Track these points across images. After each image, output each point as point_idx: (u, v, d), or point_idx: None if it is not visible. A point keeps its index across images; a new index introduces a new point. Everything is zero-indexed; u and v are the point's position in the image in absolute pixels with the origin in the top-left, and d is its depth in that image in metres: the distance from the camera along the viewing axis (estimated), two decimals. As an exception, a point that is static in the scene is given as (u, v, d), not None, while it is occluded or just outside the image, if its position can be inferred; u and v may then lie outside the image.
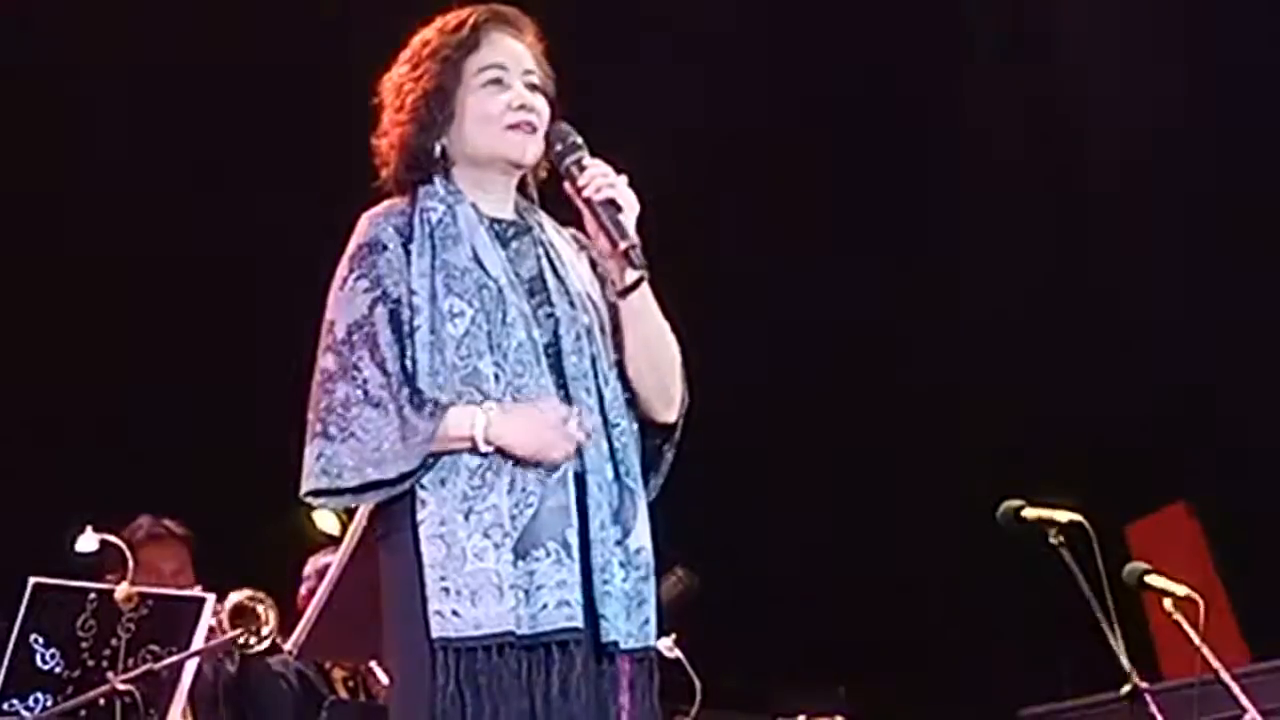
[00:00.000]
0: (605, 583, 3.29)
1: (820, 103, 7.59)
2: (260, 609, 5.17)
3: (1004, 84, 7.66)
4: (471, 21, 3.49)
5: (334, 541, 6.18)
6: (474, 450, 3.27)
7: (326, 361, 3.33)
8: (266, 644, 5.22)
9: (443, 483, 3.27)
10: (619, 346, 3.47)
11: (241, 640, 5.16)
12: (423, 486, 3.27)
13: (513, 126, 3.45)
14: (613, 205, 3.40)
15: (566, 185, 3.46)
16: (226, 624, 5.18)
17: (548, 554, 3.25)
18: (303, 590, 6.04)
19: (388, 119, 3.49)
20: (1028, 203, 7.84)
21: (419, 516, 3.27)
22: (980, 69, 7.70)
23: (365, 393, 3.28)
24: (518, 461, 3.27)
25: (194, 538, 5.80)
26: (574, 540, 3.27)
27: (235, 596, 5.11)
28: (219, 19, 6.94)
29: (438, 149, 3.46)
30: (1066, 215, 7.91)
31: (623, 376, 3.46)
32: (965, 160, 7.72)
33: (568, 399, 3.35)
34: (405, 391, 3.27)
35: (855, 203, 7.76)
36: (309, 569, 6.06)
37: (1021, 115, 7.71)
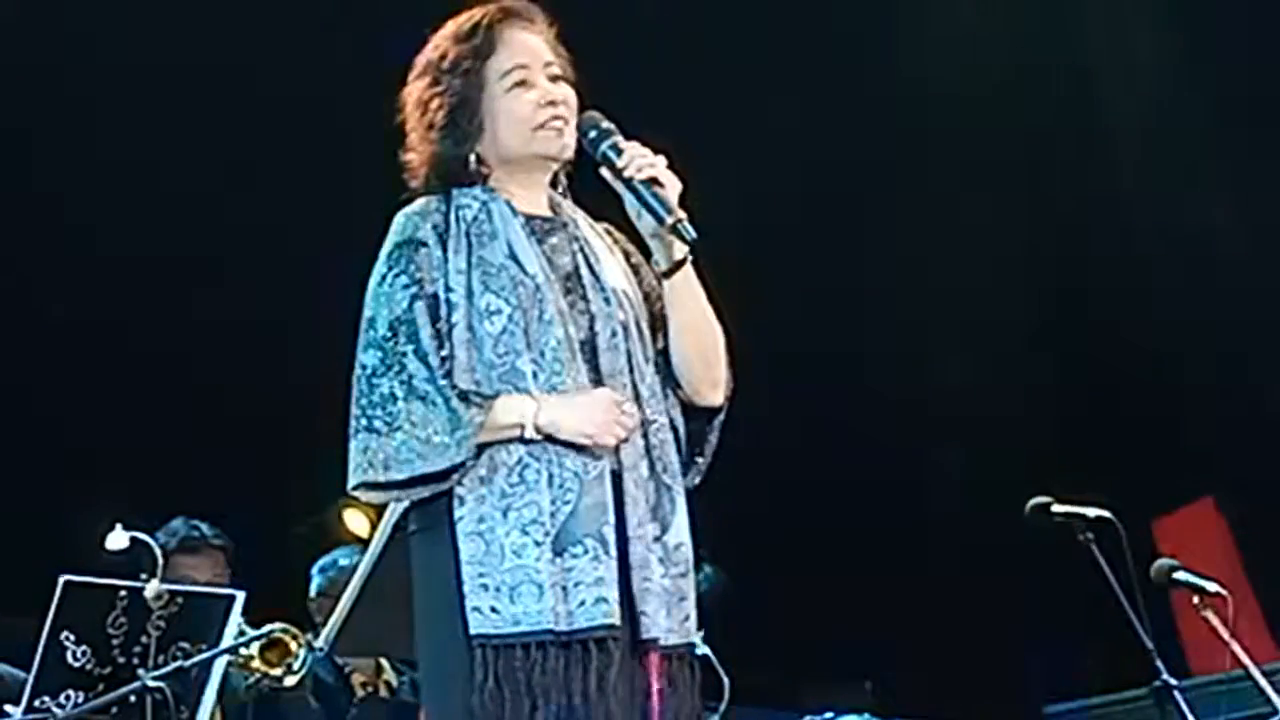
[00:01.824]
0: (645, 579, 3.30)
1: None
2: (292, 643, 5.17)
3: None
4: (485, 24, 3.48)
5: (360, 542, 6.20)
6: (521, 439, 3.28)
7: (368, 357, 3.34)
8: (297, 678, 5.21)
9: (481, 480, 3.28)
10: (663, 330, 3.48)
11: (275, 674, 5.15)
12: (460, 483, 3.28)
13: (544, 125, 3.45)
14: (655, 183, 3.40)
15: (604, 170, 3.45)
16: (257, 659, 5.17)
17: (585, 550, 3.25)
18: (311, 590, 6.05)
19: (415, 135, 3.48)
20: (1045, 205, 7.84)
21: (457, 513, 3.28)
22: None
23: (410, 387, 3.28)
24: (556, 457, 3.28)
25: (231, 546, 5.76)
26: (611, 537, 3.28)
27: (267, 629, 5.11)
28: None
29: (472, 159, 3.46)
30: (1081, 214, 7.93)
31: (666, 362, 3.47)
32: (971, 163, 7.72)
33: None
34: (449, 384, 3.28)
35: (878, 212, 7.78)
36: (314, 570, 6.09)
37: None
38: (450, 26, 3.51)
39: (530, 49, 3.49)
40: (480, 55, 3.46)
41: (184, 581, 5.39)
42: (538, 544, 3.23)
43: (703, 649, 5.34)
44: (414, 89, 3.50)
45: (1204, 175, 7.51)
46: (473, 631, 3.22)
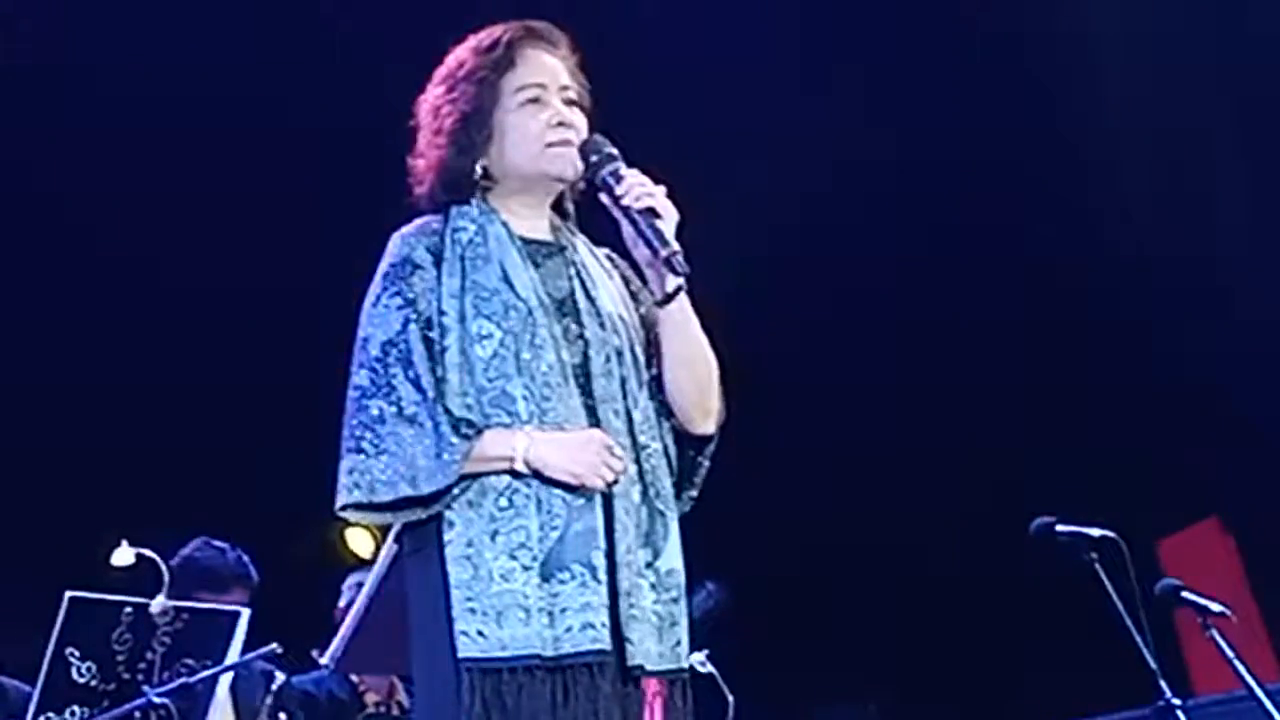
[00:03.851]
0: (631, 606, 3.30)
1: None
2: None
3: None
4: (506, 39, 3.50)
5: (367, 563, 6.20)
6: (510, 471, 3.28)
7: (360, 378, 3.35)
8: None
9: (470, 504, 3.29)
10: (657, 358, 3.48)
11: None
12: (450, 507, 3.29)
13: (551, 145, 3.46)
14: (652, 213, 3.40)
15: (603, 196, 3.46)
16: None
17: (573, 576, 3.26)
18: (340, 604, 6.05)
19: (424, 140, 3.50)
20: (1045, 221, 7.85)
21: (446, 537, 3.29)
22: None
23: (400, 409, 3.29)
24: (545, 484, 3.29)
25: (255, 581, 5.68)
26: (600, 563, 3.28)
27: (267, 649, 5.10)
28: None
29: (478, 170, 3.47)
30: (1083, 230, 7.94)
31: (660, 388, 3.48)
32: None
33: (596, 421, 3.36)
34: (440, 409, 3.29)
35: (876, 231, 7.78)
36: (347, 584, 6.08)
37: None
38: (473, 40, 3.53)
39: (549, 69, 3.51)
40: (498, 68, 3.48)
41: None
42: (525, 569, 3.24)
43: (707, 668, 5.37)
44: (430, 96, 3.52)
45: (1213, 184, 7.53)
46: (460, 655, 3.23)
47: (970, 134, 7.51)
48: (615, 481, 3.30)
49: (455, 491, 3.27)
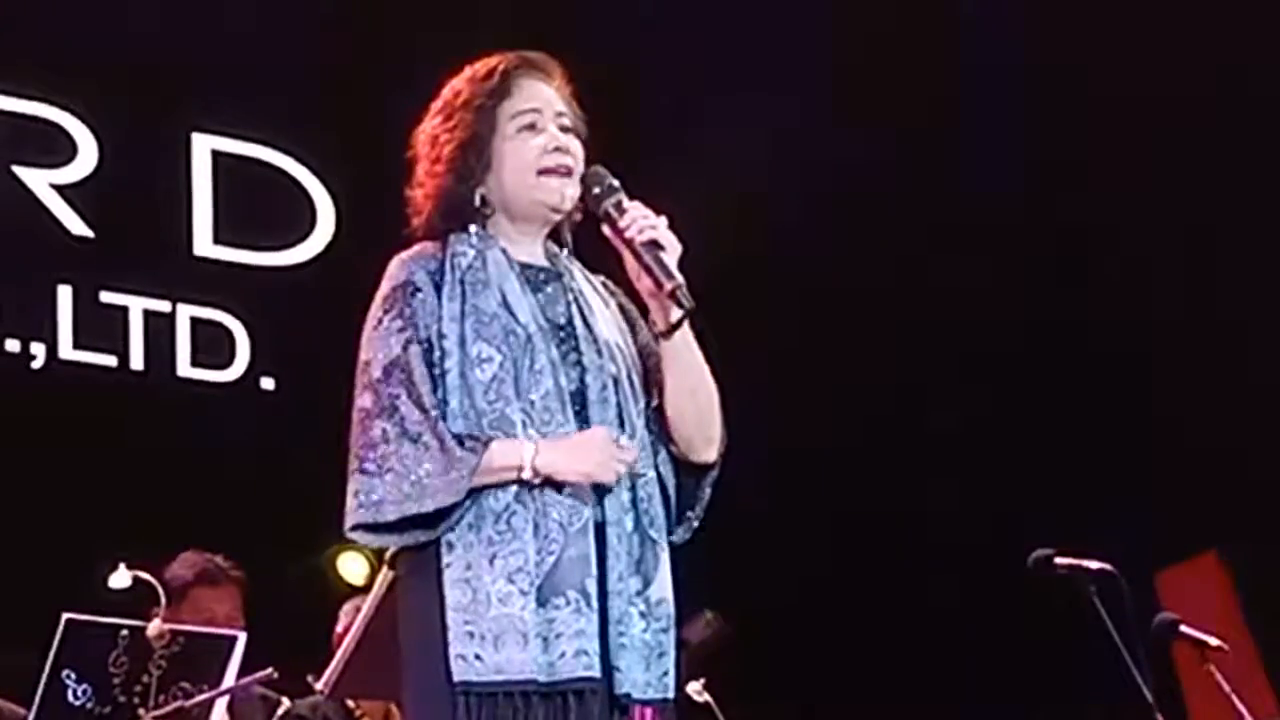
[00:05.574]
0: (621, 634, 3.31)
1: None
2: None
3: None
4: (502, 69, 3.52)
5: (362, 589, 6.18)
6: (519, 481, 3.29)
7: (364, 400, 3.36)
8: None
9: (469, 528, 3.29)
10: (656, 389, 3.49)
11: None
12: (451, 529, 3.30)
13: (548, 170, 3.47)
14: (655, 245, 3.41)
15: (605, 228, 3.47)
16: None
17: (568, 602, 3.27)
18: (338, 629, 6.04)
19: (423, 170, 3.51)
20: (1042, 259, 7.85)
21: (444, 560, 3.30)
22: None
23: (403, 429, 3.30)
24: (543, 507, 3.30)
25: (245, 581, 5.72)
26: (593, 589, 3.29)
27: (264, 673, 5.09)
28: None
29: (477, 198, 3.48)
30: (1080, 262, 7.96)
31: (658, 418, 3.48)
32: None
33: None
34: (443, 426, 3.30)
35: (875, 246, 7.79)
36: (346, 606, 6.06)
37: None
38: (468, 70, 3.55)
39: (544, 97, 3.52)
40: (494, 96, 3.49)
41: (204, 615, 5.39)
42: (523, 593, 3.25)
43: (704, 697, 5.37)
44: (427, 126, 3.54)
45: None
46: (456, 679, 3.24)
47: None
48: (600, 501, 3.31)
49: (460, 511, 3.28)
